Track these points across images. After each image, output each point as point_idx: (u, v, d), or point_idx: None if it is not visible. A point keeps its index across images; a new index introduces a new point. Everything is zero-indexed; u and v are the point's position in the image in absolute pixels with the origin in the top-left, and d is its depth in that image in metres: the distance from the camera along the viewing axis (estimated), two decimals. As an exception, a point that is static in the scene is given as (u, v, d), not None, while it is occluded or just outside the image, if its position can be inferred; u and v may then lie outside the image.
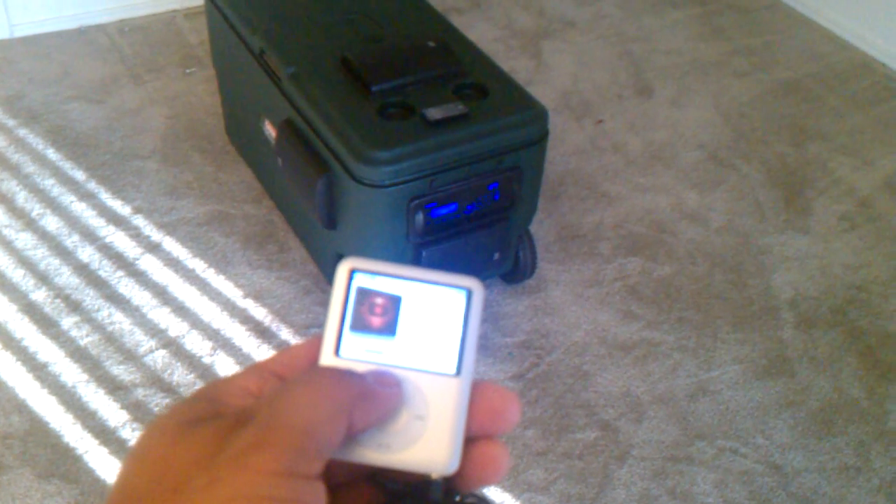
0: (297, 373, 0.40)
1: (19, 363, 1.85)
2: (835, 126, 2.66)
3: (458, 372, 0.40)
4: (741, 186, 2.43)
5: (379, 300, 0.41)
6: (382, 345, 0.41)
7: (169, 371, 1.85)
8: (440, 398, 0.40)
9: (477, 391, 0.41)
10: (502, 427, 0.41)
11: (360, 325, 0.41)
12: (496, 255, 1.93)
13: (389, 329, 0.41)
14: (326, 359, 0.41)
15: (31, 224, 2.15)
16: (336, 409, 0.36)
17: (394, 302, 0.41)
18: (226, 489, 0.33)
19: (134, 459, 0.36)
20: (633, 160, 2.49)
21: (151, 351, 1.89)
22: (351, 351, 0.41)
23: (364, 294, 0.41)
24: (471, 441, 0.40)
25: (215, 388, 0.39)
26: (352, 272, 0.42)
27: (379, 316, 0.41)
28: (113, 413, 1.77)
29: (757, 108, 2.72)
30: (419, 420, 0.40)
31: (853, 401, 1.91)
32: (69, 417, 1.76)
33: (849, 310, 2.10)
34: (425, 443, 0.39)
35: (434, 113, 1.74)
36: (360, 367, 0.40)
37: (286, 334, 1.95)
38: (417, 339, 0.41)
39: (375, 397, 0.39)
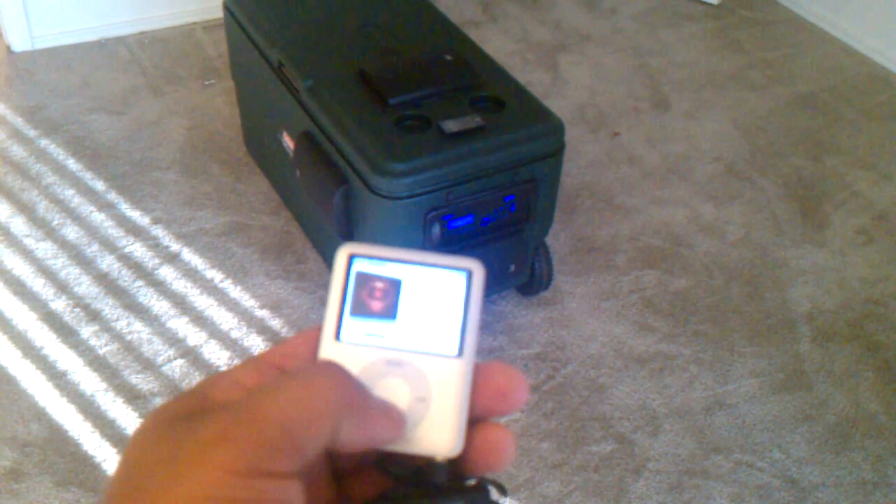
0: (297, 363, 0.39)
1: (39, 371, 1.86)
2: (852, 140, 2.66)
3: (460, 353, 0.40)
4: (758, 200, 2.42)
5: (379, 284, 0.41)
6: (383, 328, 0.41)
7: (187, 380, 1.86)
8: (442, 380, 0.40)
9: (482, 371, 0.40)
10: (508, 407, 0.40)
11: (361, 310, 0.41)
12: (512, 267, 1.93)
13: (390, 312, 0.41)
14: (327, 343, 0.40)
15: (51, 233, 2.17)
16: (323, 412, 0.34)
17: (394, 285, 0.41)
18: (184, 489, 0.31)
19: (121, 462, 0.34)
20: (650, 173, 2.49)
21: (170, 360, 1.90)
22: (351, 335, 0.40)
23: (363, 278, 0.41)
24: (476, 424, 0.39)
25: (209, 383, 0.37)
26: (351, 257, 0.41)
27: (379, 300, 0.41)
28: (131, 422, 1.78)
29: (774, 121, 2.72)
30: (421, 402, 0.39)
31: (870, 415, 1.90)
32: (88, 426, 1.77)
33: (866, 324, 2.10)
34: (428, 425, 0.39)
35: (451, 125, 1.75)
36: (361, 352, 0.40)
37: (303, 345, 1.95)
38: (418, 321, 0.41)
39: (370, 420, 0.36)
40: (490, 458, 0.39)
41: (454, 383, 0.39)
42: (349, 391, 0.36)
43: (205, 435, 0.32)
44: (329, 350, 0.40)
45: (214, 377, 0.37)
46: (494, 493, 0.40)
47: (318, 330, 0.40)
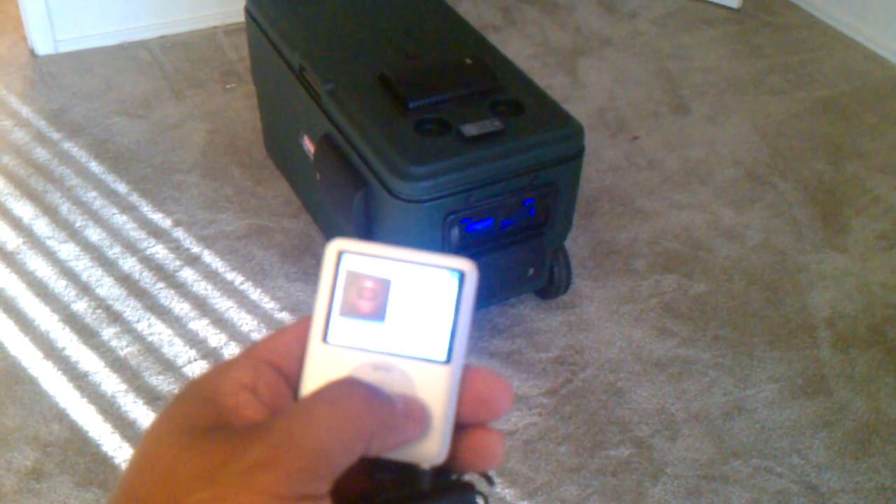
0: (290, 360, 0.39)
1: (60, 372, 1.88)
2: (873, 144, 2.65)
3: (449, 359, 0.39)
4: (778, 204, 2.41)
5: (368, 283, 0.40)
6: (371, 330, 0.39)
7: (206, 382, 1.87)
8: (429, 387, 0.39)
9: (466, 378, 0.39)
10: (490, 415, 0.39)
11: (349, 310, 0.40)
12: (531, 271, 1.93)
13: (379, 314, 0.40)
14: (315, 345, 0.39)
15: (73, 235, 2.19)
16: (356, 435, 0.35)
17: (383, 285, 0.40)
18: None
19: (139, 465, 0.35)
20: (669, 177, 2.49)
21: (190, 362, 1.91)
22: (339, 337, 0.39)
23: (353, 277, 0.40)
24: (463, 428, 0.39)
25: (210, 384, 0.37)
26: (340, 254, 0.40)
27: (368, 300, 0.40)
28: (151, 423, 1.79)
29: (794, 125, 2.71)
30: None
31: (891, 421, 1.89)
32: (108, 427, 1.78)
33: (887, 329, 2.08)
34: None
35: (470, 129, 1.75)
36: (348, 355, 0.39)
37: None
38: (407, 324, 0.39)
39: (399, 429, 0.37)
40: (478, 460, 0.39)
41: (441, 390, 0.39)
42: (377, 408, 0.36)
43: (248, 460, 0.33)
44: (316, 352, 0.40)
45: (213, 378, 0.37)
46: (483, 486, 0.40)
47: (308, 323, 0.40)
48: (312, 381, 0.39)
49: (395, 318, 0.40)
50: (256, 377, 0.38)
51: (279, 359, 0.39)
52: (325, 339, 0.40)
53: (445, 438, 0.38)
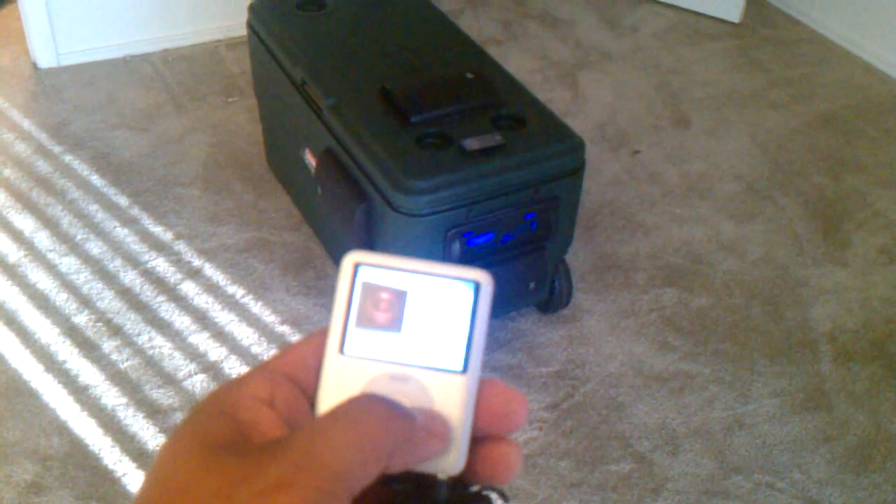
0: (307, 373, 0.39)
1: (60, 385, 1.88)
2: (873, 158, 2.65)
3: (465, 369, 0.39)
4: (778, 218, 2.42)
5: (384, 295, 0.40)
6: (388, 341, 0.40)
7: (207, 396, 1.87)
8: (446, 396, 0.39)
9: (482, 391, 0.39)
10: (508, 428, 0.39)
11: (366, 321, 0.40)
12: (532, 285, 1.93)
13: (395, 325, 0.40)
14: (331, 356, 0.40)
15: (74, 248, 2.19)
16: (376, 453, 0.35)
17: (399, 297, 0.40)
18: None
19: (155, 483, 0.35)
20: (670, 191, 2.49)
21: (191, 375, 1.91)
22: (356, 348, 0.40)
23: (369, 289, 0.40)
24: (479, 441, 0.39)
25: (228, 397, 0.37)
26: (356, 266, 0.40)
27: (384, 311, 0.40)
28: (152, 437, 1.79)
29: (795, 139, 2.71)
30: None
31: (892, 436, 1.88)
32: (108, 440, 1.78)
33: (888, 344, 2.08)
34: None
35: (472, 143, 1.76)
36: (365, 366, 0.39)
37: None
38: (423, 334, 0.40)
39: (419, 445, 0.37)
40: (495, 472, 0.39)
41: (458, 400, 0.39)
42: (396, 425, 0.36)
43: (265, 480, 0.33)
44: (333, 364, 0.40)
45: (230, 391, 0.37)
46: (497, 501, 0.40)
47: (322, 336, 0.40)
48: (329, 392, 0.39)
49: (412, 329, 0.40)
50: (274, 390, 0.38)
51: (296, 371, 0.39)
52: (341, 350, 0.40)
53: (463, 448, 0.38)
